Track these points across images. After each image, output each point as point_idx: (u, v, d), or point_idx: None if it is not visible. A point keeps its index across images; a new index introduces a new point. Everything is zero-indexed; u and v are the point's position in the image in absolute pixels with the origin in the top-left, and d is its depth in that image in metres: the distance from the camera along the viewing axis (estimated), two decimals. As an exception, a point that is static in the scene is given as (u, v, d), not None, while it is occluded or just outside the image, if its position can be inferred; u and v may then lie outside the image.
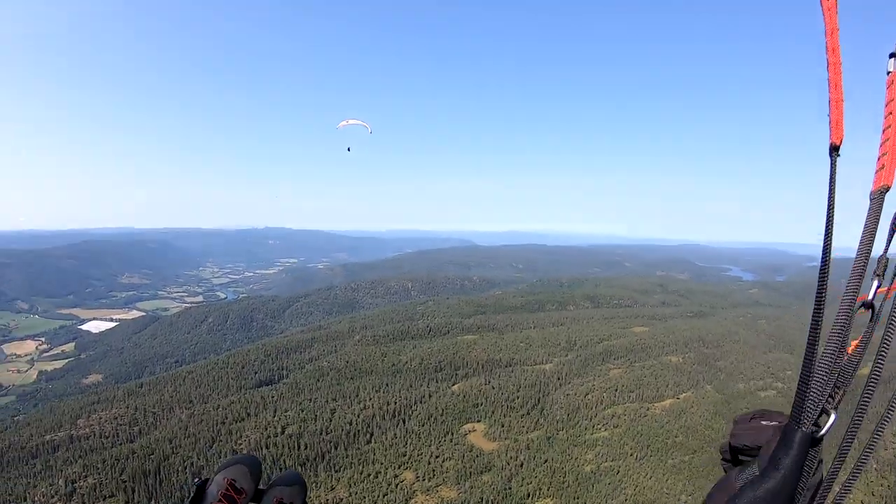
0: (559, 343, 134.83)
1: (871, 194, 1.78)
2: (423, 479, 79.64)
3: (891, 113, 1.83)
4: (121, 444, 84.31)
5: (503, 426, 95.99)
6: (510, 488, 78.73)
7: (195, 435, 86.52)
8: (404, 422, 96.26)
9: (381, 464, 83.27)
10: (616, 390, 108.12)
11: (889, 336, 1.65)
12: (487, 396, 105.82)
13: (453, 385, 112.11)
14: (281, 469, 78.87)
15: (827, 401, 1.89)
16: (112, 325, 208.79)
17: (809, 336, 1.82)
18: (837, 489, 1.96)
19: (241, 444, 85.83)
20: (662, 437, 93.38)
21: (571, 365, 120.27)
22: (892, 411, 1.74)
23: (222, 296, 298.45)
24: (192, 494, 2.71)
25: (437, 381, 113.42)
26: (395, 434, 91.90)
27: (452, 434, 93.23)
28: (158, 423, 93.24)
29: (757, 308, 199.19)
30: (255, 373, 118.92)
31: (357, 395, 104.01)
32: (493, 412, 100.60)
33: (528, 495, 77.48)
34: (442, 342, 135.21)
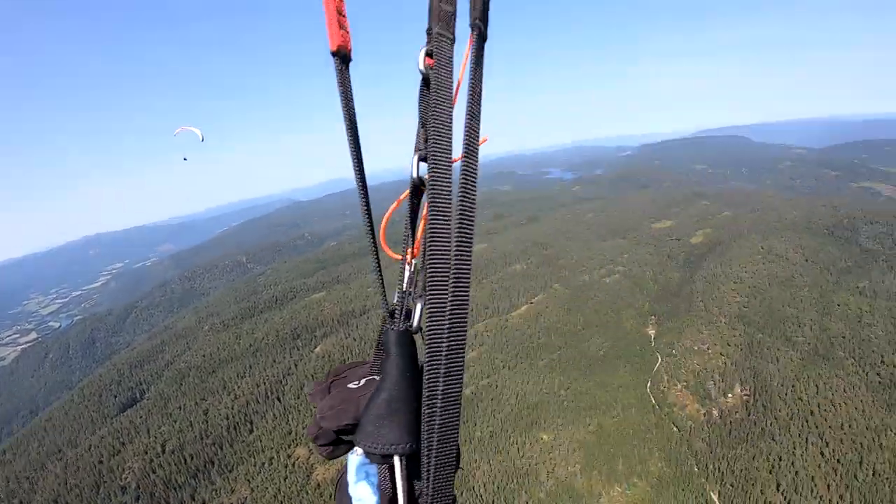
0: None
1: None
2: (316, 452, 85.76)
3: None
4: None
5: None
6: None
7: (78, 486, 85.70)
8: (279, 399, 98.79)
9: (272, 448, 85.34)
10: (473, 310, 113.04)
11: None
12: (351, 350, 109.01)
13: (315, 348, 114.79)
14: (178, 490, 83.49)
15: (409, 294, 1.80)
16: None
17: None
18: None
19: (126, 477, 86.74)
20: (526, 342, 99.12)
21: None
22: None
23: (56, 325, 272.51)
24: None
25: (298, 349, 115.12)
26: (273, 415, 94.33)
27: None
28: (35, 486, 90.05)
29: (583, 203, 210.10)
30: (115, 396, 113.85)
31: (225, 387, 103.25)
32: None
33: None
34: (291, 308, 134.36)
